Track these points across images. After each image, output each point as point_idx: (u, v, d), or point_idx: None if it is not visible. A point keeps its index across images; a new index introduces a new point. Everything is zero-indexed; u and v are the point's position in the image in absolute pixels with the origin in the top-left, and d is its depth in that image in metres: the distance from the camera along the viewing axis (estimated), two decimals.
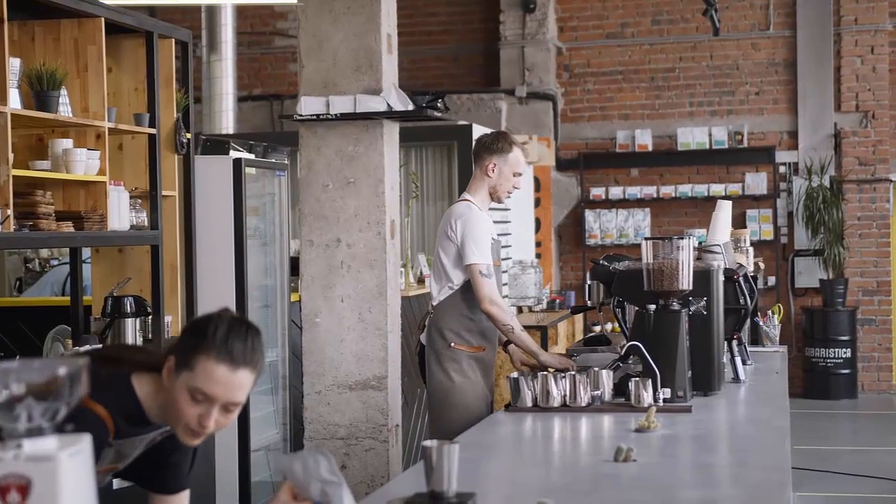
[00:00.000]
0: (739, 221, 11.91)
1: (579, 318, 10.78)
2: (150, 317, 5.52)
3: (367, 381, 5.53)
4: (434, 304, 5.05)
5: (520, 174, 5.08)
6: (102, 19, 5.18)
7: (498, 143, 5.05)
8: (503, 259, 9.26)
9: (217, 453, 6.06)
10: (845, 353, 11.85)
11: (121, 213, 5.27)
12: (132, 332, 5.38)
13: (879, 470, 8.45)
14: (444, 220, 5.05)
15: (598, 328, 9.94)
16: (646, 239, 4.45)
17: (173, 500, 2.88)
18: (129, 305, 5.40)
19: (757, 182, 12.27)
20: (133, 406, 2.64)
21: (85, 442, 1.77)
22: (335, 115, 5.45)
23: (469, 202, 5.04)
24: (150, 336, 5.52)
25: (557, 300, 10.58)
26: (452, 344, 4.98)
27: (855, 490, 7.98)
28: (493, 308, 4.88)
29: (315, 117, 5.48)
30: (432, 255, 5.27)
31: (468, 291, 4.93)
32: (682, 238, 4.41)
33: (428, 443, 2.69)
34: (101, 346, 4.83)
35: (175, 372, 2.58)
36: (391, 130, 5.64)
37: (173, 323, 5.74)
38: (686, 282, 4.38)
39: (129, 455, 2.73)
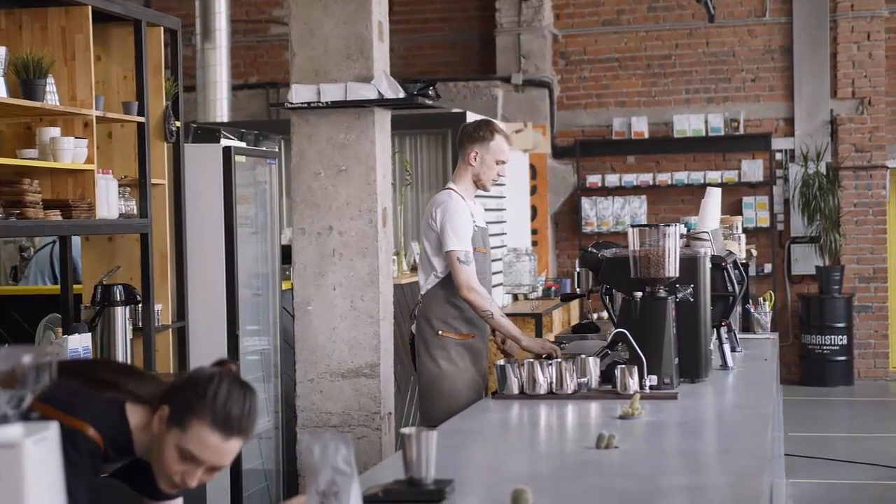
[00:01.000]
0: (735, 208, 11.90)
1: (575, 305, 10.78)
2: (139, 305, 5.51)
3: (359, 368, 5.54)
4: (422, 293, 5.06)
5: (503, 162, 5.06)
6: (90, 7, 5.16)
7: (479, 131, 5.04)
8: (496, 247, 9.31)
9: None
10: (841, 340, 11.84)
11: (109, 201, 5.26)
12: (122, 320, 5.37)
13: (875, 457, 8.45)
14: (427, 210, 5.04)
15: (594, 315, 9.94)
16: (632, 226, 4.45)
17: None
18: (118, 294, 5.38)
19: (753, 169, 12.25)
20: (124, 436, 2.62)
21: (51, 430, 1.77)
22: (326, 102, 5.43)
23: (451, 190, 5.03)
24: (139, 324, 5.52)
25: (553, 288, 10.56)
26: (440, 332, 4.98)
27: (850, 477, 7.99)
28: (471, 294, 4.87)
29: (306, 105, 5.46)
30: None
31: (453, 279, 4.93)
32: (669, 225, 4.41)
33: (406, 430, 2.70)
34: (93, 360, 4.75)
35: (167, 424, 2.56)
36: (382, 118, 5.63)
37: (163, 311, 5.74)
38: (672, 269, 4.38)
39: (105, 471, 2.73)
